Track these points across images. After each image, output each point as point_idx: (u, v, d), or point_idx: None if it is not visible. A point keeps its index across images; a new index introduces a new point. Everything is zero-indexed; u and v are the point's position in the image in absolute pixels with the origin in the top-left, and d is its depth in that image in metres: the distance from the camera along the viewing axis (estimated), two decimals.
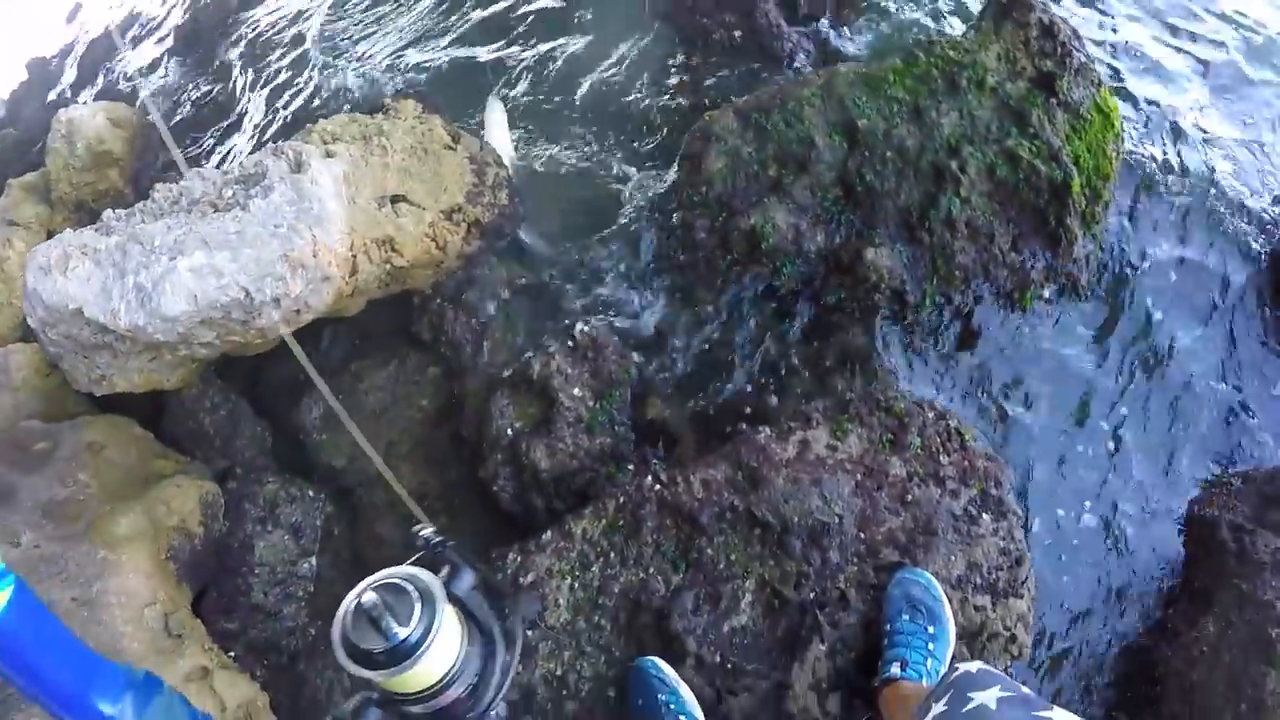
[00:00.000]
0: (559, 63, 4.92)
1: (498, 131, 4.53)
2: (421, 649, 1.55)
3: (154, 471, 3.83)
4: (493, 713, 1.80)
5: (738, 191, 3.69)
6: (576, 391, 3.50)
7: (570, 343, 3.64)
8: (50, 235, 5.25)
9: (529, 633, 2.98)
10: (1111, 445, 3.61)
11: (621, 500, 3.12)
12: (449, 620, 1.66)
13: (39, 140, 6.41)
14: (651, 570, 2.99)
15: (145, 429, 4.06)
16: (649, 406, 3.59)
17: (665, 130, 4.42)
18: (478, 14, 5.45)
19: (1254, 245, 4.12)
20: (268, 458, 4.15)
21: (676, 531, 3.01)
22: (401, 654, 1.54)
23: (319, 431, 4.07)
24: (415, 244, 3.69)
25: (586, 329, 3.67)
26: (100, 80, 7.32)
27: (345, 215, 3.44)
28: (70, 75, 7.85)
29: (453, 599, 1.74)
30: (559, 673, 2.92)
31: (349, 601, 1.58)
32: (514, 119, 4.72)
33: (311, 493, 3.93)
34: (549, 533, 3.14)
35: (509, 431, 3.55)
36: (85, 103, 6.67)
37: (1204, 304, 3.95)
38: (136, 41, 7.59)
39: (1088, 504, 3.51)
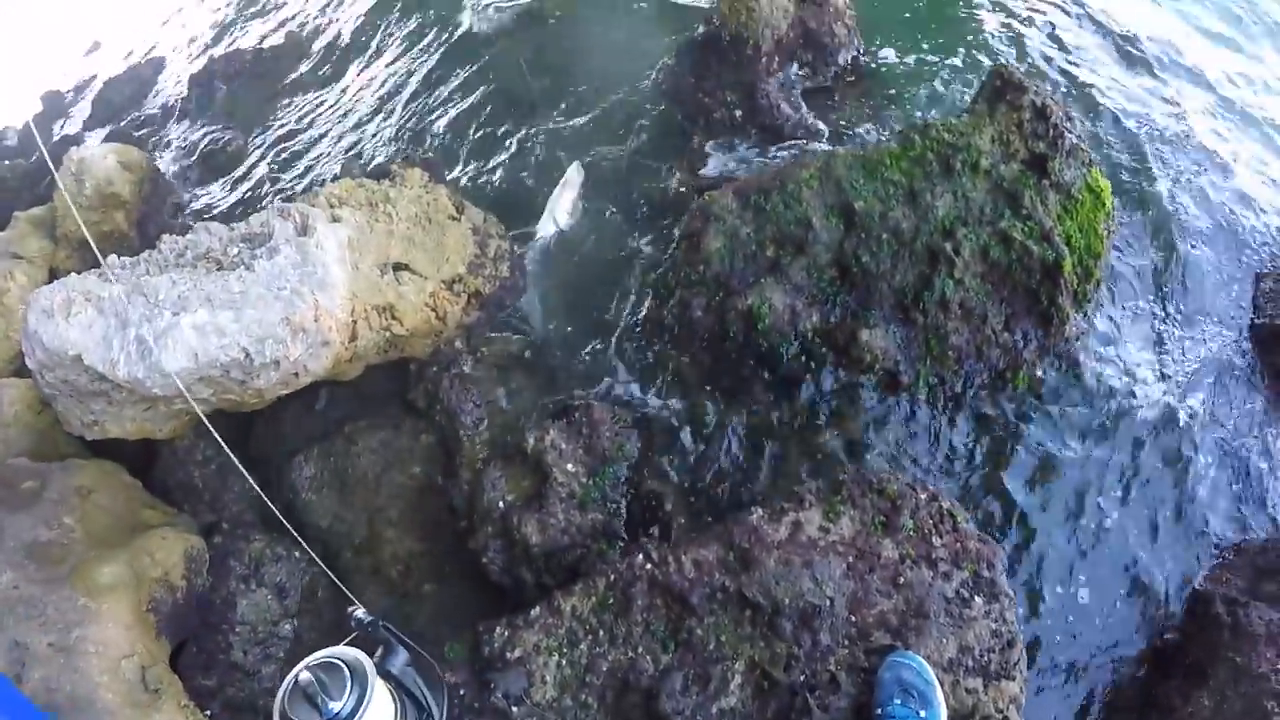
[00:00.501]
0: (565, 135, 5.02)
1: (569, 193, 4.57)
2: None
3: (141, 521, 3.80)
4: None
5: (735, 271, 3.74)
6: (570, 467, 3.51)
7: (566, 418, 3.66)
8: (53, 272, 5.29)
9: (514, 709, 2.94)
10: (1106, 522, 3.60)
11: (612, 578, 3.10)
12: (380, 695, 1.79)
13: (46, 174, 6.49)
14: (640, 649, 2.96)
15: (135, 477, 4.05)
16: (642, 484, 3.59)
17: (666, 207, 4.48)
18: (487, 86, 5.57)
19: (1241, 314, 4.18)
20: (255, 515, 4.11)
21: (667, 611, 2.99)
22: None
23: (309, 491, 4.05)
24: (415, 313, 3.72)
25: (582, 405, 3.69)
26: (112, 120, 7.43)
27: (348, 281, 3.48)
28: (84, 111, 7.98)
29: (387, 676, 1.89)
30: None
31: (288, 680, 1.72)
32: (517, 188, 4.79)
33: (298, 554, 3.88)
34: (538, 608, 3.11)
35: (501, 504, 3.54)
36: (96, 143, 6.75)
37: (1196, 377, 3.98)
38: (151, 85, 7.73)
39: (1083, 579, 3.49)
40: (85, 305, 3.33)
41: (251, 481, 2.56)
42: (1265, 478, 3.81)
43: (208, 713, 3.46)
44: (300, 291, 3.29)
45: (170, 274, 3.43)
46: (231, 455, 2.62)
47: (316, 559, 2.46)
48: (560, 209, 4.39)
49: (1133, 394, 3.85)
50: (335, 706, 1.67)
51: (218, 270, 3.38)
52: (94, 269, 3.59)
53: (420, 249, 3.87)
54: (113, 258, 3.66)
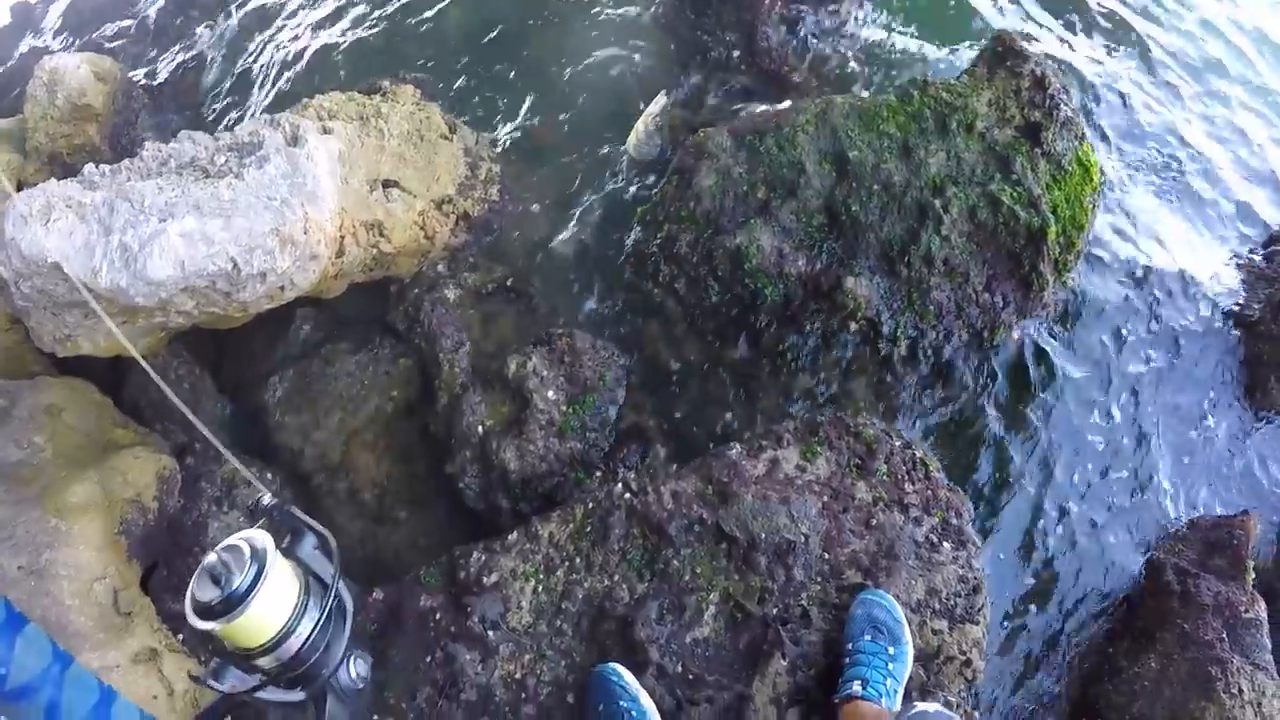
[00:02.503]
0: (558, 66, 4.94)
1: (653, 111, 4.46)
2: (251, 595, 1.74)
3: (112, 440, 3.74)
4: (352, 670, 2.01)
5: (725, 210, 3.75)
6: (551, 394, 3.52)
7: (548, 345, 3.66)
8: (20, 186, 5.12)
9: (490, 633, 2.98)
10: (1071, 485, 3.73)
11: (590, 506, 3.14)
12: (280, 572, 1.83)
13: (17, 86, 6.24)
14: (617, 578, 3.01)
15: (105, 395, 3.97)
16: (623, 415, 3.61)
17: (657, 141, 4.44)
18: (481, 13, 5.45)
19: (1216, 300, 4.30)
20: (227, 436, 4.06)
21: (644, 541, 3.04)
22: (234, 601, 1.72)
23: (282, 413, 4.02)
24: (404, 231, 3.68)
25: (565, 333, 3.69)
26: (83, 31, 7.16)
27: (337, 194, 3.42)
28: (53, 23, 7.65)
29: (294, 558, 1.93)
30: (518, 675, 2.92)
31: (199, 566, 1.76)
32: (508, 112, 4.72)
33: (269, 475, 3.87)
34: (514, 534, 3.14)
35: (479, 429, 3.55)
36: (69, 52, 6.49)
37: (1166, 352, 4.11)
38: None
39: (1042, 541, 3.62)
40: (66, 211, 3.23)
41: (177, 402, 2.52)
42: (1225, 457, 3.97)
43: (179, 636, 3.45)
44: (290, 202, 3.23)
45: (156, 180, 3.33)
46: (165, 387, 2.57)
47: (215, 442, 2.45)
48: (632, 136, 4.32)
49: (1104, 364, 3.96)
50: (235, 581, 1.73)
51: (205, 178, 3.30)
52: (72, 177, 3.49)
53: (410, 166, 3.81)
54: (90, 166, 3.55)
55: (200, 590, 1.75)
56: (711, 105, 4.41)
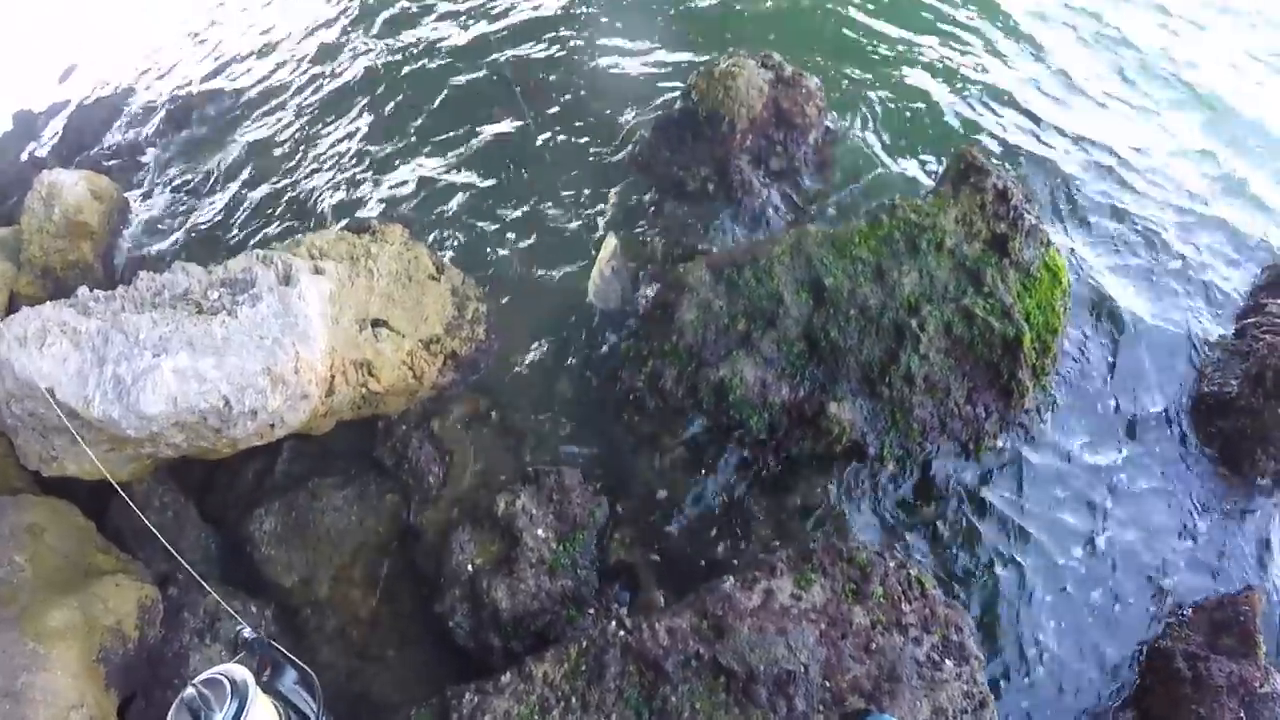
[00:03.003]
0: (542, 204, 5.10)
1: (605, 256, 4.50)
2: None
3: (94, 565, 3.70)
4: None
5: (707, 343, 3.83)
6: (540, 532, 3.52)
7: (536, 483, 3.68)
8: (13, 296, 5.13)
9: None
10: (1067, 584, 3.71)
11: (584, 644, 3.09)
12: (260, 707, 1.86)
13: (15, 194, 6.34)
14: (614, 716, 2.95)
15: (88, 519, 3.92)
16: (613, 551, 3.62)
17: (639, 276, 4.57)
18: (466, 147, 5.66)
19: (1191, 380, 4.35)
20: (212, 566, 4.03)
21: (640, 678, 2.99)
22: None
23: (269, 546, 3.99)
24: (392, 370, 3.74)
25: (554, 471, 3.72)
26: (82, 147, 7.35)
27: (328, 334, 3.48)
28: (54, 135, 7.85)
29: (274, 692, 1.97)
30: None
31: (178, 699, 1.80)
32: (493, 251, 4.86)
33: (254, 608, 3.80)
34: (508, 674, 3.08)
35: (469, 568, 3.53)
36: (66, 169, 6.63)
37: (1147, 440, 4.14)
38: (124, 116, 7.70)
39: (1044, 645, 3.58)
40: (61, 337, 3.28)
41: (162, 539, 2.53)
42: (1214, 537, 3.96)
43: None
44: (282, 342, 3.29)
45: (150, 313, 3.39)
46: (149, 525, 2.60)
47: (194, 573, 2.47)
48: (590, 284, 4.38)
49: (1088, 463, 4.00)
50: (215, 717, 1.76)
51: (198, 313, 3.37)
52: (65, 299, 3.55)
53: (399, 307, 3.89)
54: (84, 289, 3.62)
55: None
56: (688, 239, 4.55)
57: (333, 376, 3.51)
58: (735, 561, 3.54)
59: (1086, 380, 4.23)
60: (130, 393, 3.18)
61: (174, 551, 2.52)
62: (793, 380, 3.76)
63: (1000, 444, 3.90)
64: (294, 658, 2.12)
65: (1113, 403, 4.20)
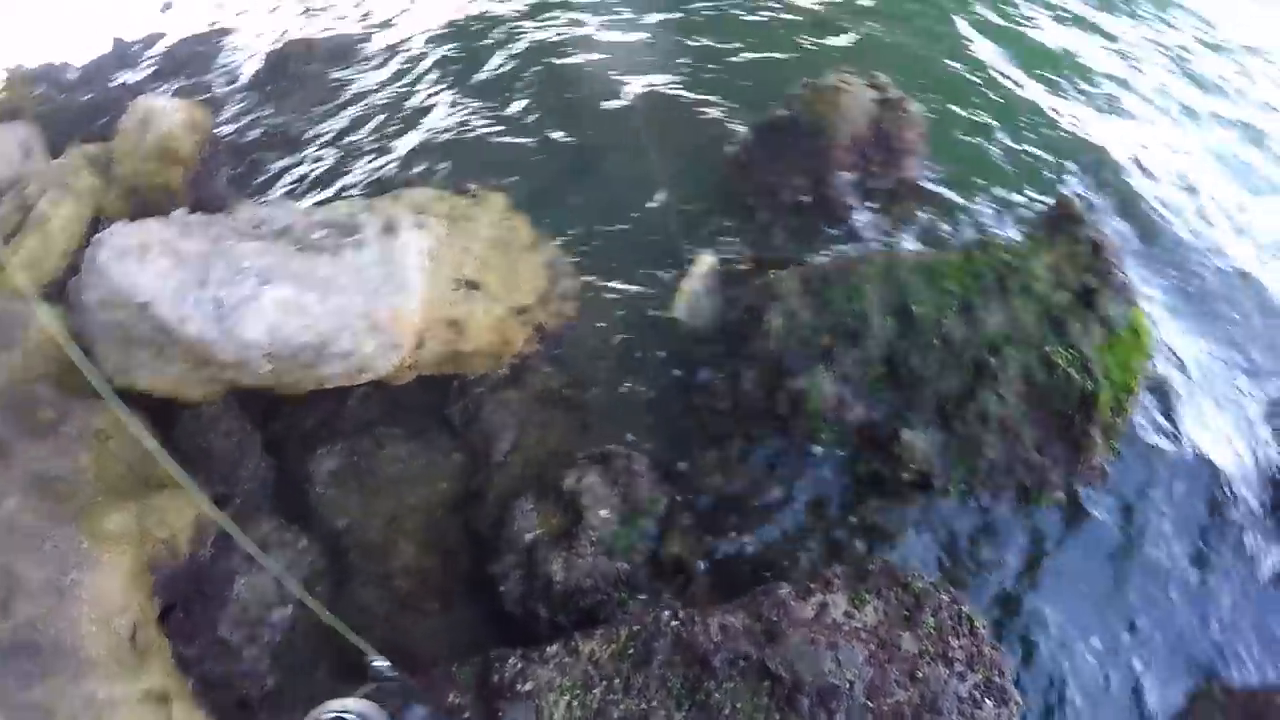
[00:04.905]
0: (634, 191, 5.14)
1: (700, 272, 4.43)
2: None
3: (154, 478, 3.75)
4: None
5: (790, 352, 3.85)
6: (604, 513, 3.56)
7: (605, 464, 3.71)
8: (99, 211, 5.22)
9: None
10: (1111, 646, 3.69)
11: (635, 629, 3.13)
12: None
13: (105, 114, 6.48)
14: (655, 703, 2.99)
15: (155, 432, 3.88)
16: (670, 542, 3.63)
17: (730, 280, 4.58)
18: (569, 129, 5.71)
19: (1265, 457, 4.30)
20: (268, 497, 4.11)
21: (686, 670, 3.03)
22: None
23: (327, 485, 4.05)
24: (481, 333, 3.79)
25: (623, 455, 3.75)
26: (177, 78, 7.48)
27: (424, 289, 3.53)
28: (150, 64, 7.95)
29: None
30: None
31: None
32: (587, 234, 4.92)
33: (305, 544, 3.89)
34: (555, 646, 3.14)
35: (528, 537, 3.58)
36: (165, 95, 6.71)
37: (1207, 522, 4.09)
38: (220, 54, 7.83)
39: (1077, 703, 3.56)
40: (163, 254, 3.33)
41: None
42: (1261, 623, 3.91)
43: (190, 682, 3.38)
44: (381, 290, 3.35)
45: (254, 243, 3.44)
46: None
47: (328, 615, 2.42)
48: (680, 299, 4.34)
49: (1149, 528, 3.97)
50: None
51: (302, 251, 3.43)
52: (165, 217, 3.59)
53: (494, 271, 3.94)
54: (182, 211, 3.64)
55: None
56: (779, 249, 4.57)
57: (424, 330, 3.57)
58: (790, 571, 3.56)
59: (1157, 444, 4.19)
60: (229, 317, 3.24)
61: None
62: (869, 402, 3.78)
63: (1062, 496, 3.88)
64: (425, 695, 2.08)
65: (1182, 469, 4.16)
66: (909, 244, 4.63)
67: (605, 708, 3.02)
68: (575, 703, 3.04)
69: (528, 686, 3.06)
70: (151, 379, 3.66)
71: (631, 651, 3.10)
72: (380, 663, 2.10)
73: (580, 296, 4.35)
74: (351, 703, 1.88)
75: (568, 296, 4.21)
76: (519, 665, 3.13)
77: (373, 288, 3.36)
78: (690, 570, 3.59)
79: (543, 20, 6.77)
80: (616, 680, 3.07)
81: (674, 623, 3.12)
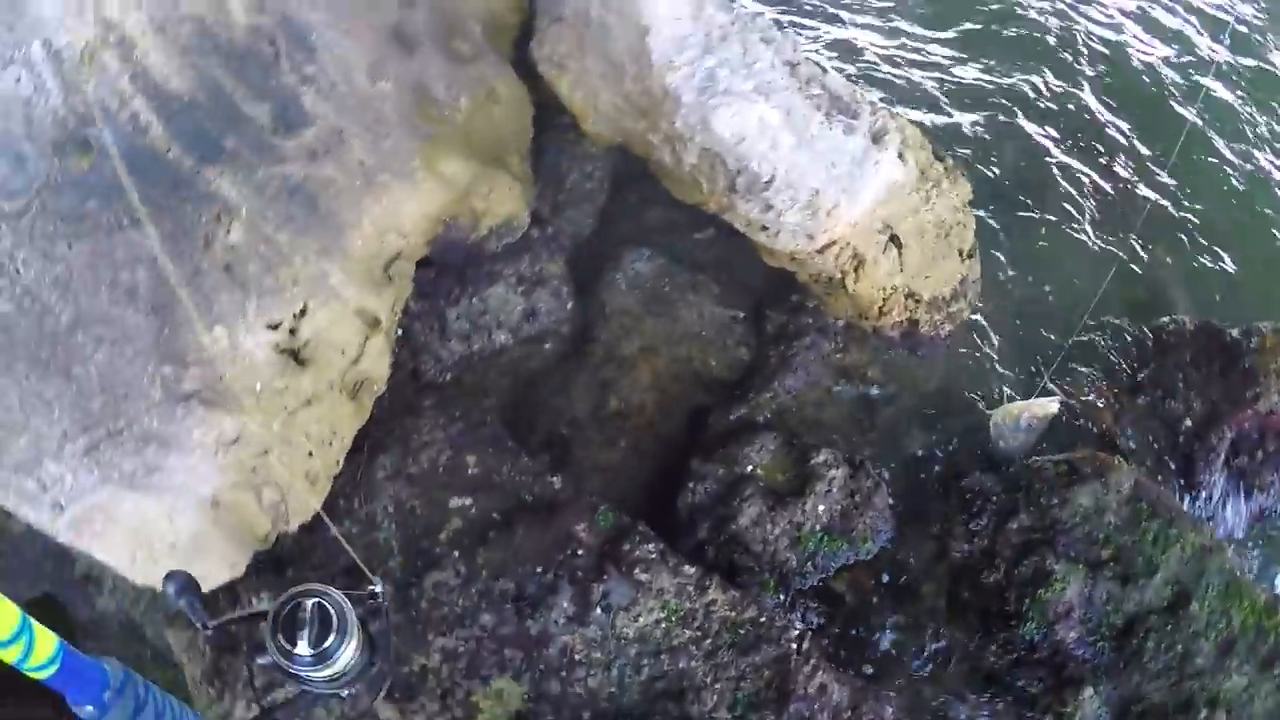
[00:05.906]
0: (1076, 266, 4.72)
1: (1036, 411, 3.91)
2: (333, 657, 2.09)
3: (506, 161, 3.81)
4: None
5: (1068, 534, 3.56)
6: (821, 507, 3.47)
7: (857, 471, 3.60)
8: None
9: (597, 611, 3.10)
10: None
11: (756, 614, 3.15)
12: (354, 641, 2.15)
13: None
14: (717, 691, 3.08)
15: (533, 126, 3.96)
16: (837, 584, 3.53)
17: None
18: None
19: None
20: (564, 251, 4.14)
21: (766, 693, 3.05)
22: (322, 657, 2.07)
23: (628, 289, 4.09)
24: (867, 284, 3.66)
25: (876, 480, 3.63)
26: None
27: (864, 211, 3.35)
28: None
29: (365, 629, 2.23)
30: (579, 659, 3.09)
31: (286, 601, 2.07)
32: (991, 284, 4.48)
33: (570, 307, 4.03)
34: (693, 570, 3.18)
35: (747, 469, 3.54)
36: None
37: None
38: None
39: None
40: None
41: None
42: None
43: (399, 331, 3.60)
44: (838, 178, 3.23)
45: (773, 54, 3.35)
46: None
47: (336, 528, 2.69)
48: (1000, 415, 3.93)
49: None
50: (328, 645, 2.06)
51: (799, 90, 3.32)
52: None
53: (919, 248, 3.74)
54: None
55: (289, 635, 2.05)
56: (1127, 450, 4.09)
57: (835, 242, 3.43)
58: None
59: None
60: (709, 99, 3.12)
61: None
62: (1086, 640, 3.47)
63: None
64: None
65: None
66: (1243, 542, 4.17)
67: (679, 653, 3.08)
68: (663, 626, 3.11)
69: (642, 577, 3.15)
70: (574, 86, 3.64)
71: (743, 631, 3.11)
72: (379, 588, 2.29)
73: (965, 329, 4.12)
74: (340, 596, 2.11)
75: (955, 318, 4.00)
76: (650, 556, 3.20)
77: (835, 174, 3.23)
78: (829, 619, 3.46)
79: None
80: (708, 642, 3.10)
81: (792, 646, 3.07)
